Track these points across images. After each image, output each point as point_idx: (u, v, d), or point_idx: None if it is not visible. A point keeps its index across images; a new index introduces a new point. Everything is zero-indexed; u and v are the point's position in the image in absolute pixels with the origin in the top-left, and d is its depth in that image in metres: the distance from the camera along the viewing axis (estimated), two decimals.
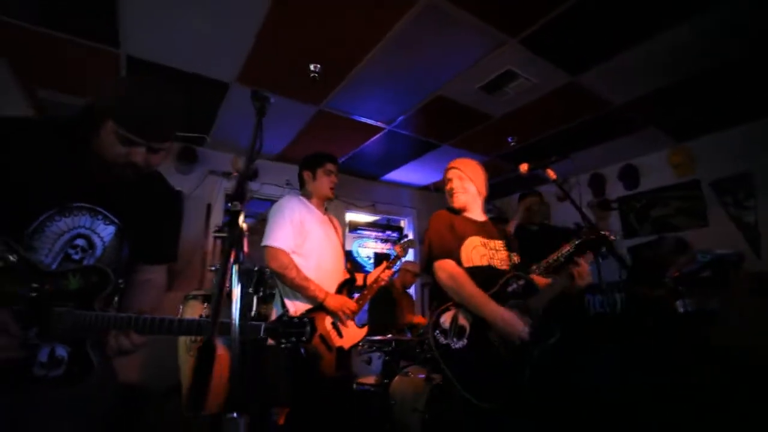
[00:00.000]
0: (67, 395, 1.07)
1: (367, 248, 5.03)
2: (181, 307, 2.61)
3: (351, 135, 3.72)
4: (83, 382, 1.07)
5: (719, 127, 3.62)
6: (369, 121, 3.45)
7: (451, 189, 2.01)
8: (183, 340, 2.44)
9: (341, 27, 2.31)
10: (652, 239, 4.08)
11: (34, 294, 1.01)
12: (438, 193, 5.40)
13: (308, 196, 2.27)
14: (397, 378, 3.11)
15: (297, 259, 2.01)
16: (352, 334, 2.08)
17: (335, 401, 1.99)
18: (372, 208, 5.01)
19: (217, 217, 3.80)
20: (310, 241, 2.07)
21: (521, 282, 1.83)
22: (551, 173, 1.93)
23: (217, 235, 2.06)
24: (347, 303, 2.03)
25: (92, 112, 1.10)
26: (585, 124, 3.52)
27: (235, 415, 0.78)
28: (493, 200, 5.55)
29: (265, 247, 1.98)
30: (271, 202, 4.35)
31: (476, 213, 2.03)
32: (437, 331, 1.73)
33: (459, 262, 1.81)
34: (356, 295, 2.23)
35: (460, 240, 1.87)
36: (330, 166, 2.26)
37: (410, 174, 4.84)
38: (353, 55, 2.56)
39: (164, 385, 2.72)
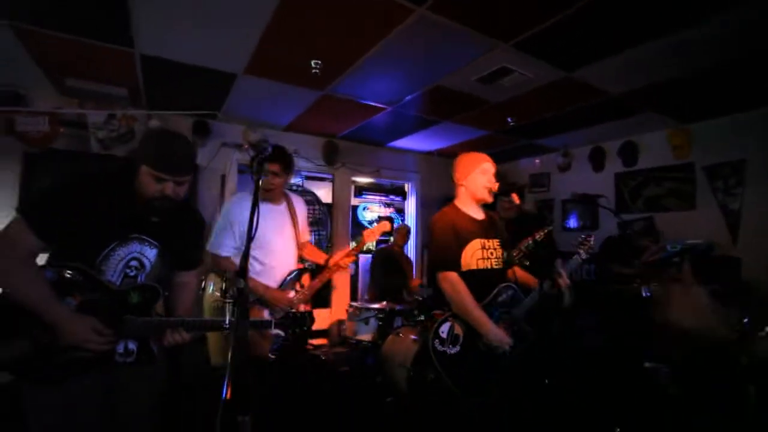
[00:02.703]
0: (139, 372, 1.54)
1: (371, 211, 5.34)
2: (203, 279, 3.04)
3: (355, 113, 3.87)
4: (149, 364, 1.53)
5: (718, 113, 3.63)
6: (372, 103, 3.58)
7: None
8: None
9: (343, 28, 2.39)
10: (637, 218, 4.28)
11: (109, 307, 1.43)
12: (440, 158, 5.56)
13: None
14: (390, 337, 3.59)
15: (253, 252, 2.15)
16: None
17: (272, 380, 2.23)
18: (377, 173, 5.24)
19: (231, 188, 4.13)
20: (261, 233, 2.08)
21: (510, 292, 2.12)
22: (516, 198, 2.14)
23: (228, 300, 2.29)
24: (282, 298, 2.21)
25: (131, 163, 1.47)
26: (583, 108, 3.58)
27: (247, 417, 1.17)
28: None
29: (209, 253, 2.18)
30: None
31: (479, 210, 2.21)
32: (436, 340, 2.03)
33: (459, 266, 2.05)
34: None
35: (462, 245, 2.07)
36: (274, 167, 2.16)
37: (415, 142, 5.00)
38: (354, 52, 2.67)
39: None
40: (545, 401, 2.68)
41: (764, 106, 3.41)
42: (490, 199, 2.14)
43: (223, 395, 1.00)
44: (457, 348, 2.01)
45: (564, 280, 2.05)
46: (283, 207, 2.38)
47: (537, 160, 5.37)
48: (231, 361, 1.12)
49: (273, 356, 2.18)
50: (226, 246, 2.19)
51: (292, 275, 2.34)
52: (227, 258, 2.20)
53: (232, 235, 2.19)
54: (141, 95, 3.31)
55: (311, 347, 4.11)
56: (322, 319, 4.71)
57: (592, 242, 2.08)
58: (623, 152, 4.46)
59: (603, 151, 4.69)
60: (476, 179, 2.13)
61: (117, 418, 1.53)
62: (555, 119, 3.90)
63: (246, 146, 4.16)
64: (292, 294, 2.30)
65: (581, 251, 2.08)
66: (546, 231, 2.43)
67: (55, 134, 3.12)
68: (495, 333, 1.95)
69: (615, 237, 4.17)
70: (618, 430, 2.58)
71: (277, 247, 2.27)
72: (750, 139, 3.53)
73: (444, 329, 2.05)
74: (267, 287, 2.20)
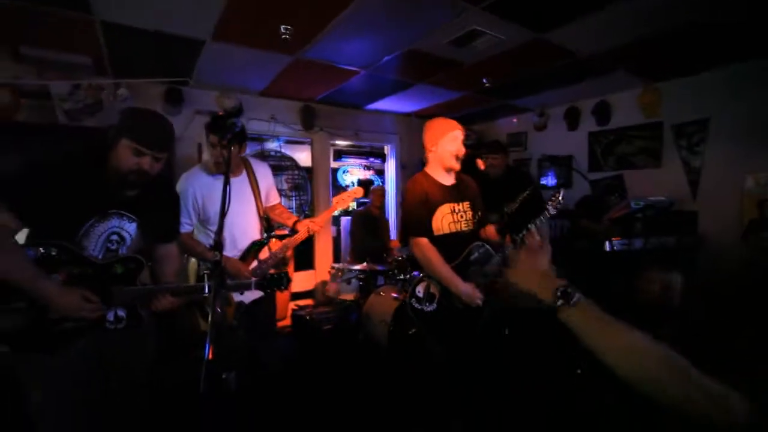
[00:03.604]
0: (129, 337, 1.66)
1: (351, 174, 5.39)
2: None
3: (331, 77, 3.81)
4: (138, 329, 1.65)
5: (686, 72, 3.70)
6: (346, 67, 3.53)
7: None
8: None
9: None
10: (607, 176, 4.44)
11: (95, 279, 1.51)
12: (418, 119, 5.55)
13: (206, 163, 2.31)
14: (371, 296, 3.78)
15: (210, 227, 2.23)
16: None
17: (231, 348, 2.18)
18: (356, 136, 5.23)
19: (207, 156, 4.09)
20: (214, 208, 2.19)
21: (481, 251, 2.22)
22: (480, 163, 2.21)
23: (206, 272, 2.26)
24: (242, 268, 2.21)
25: (104, 136, 1.50)
26: (556, 69, 3.60)
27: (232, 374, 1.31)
28: (472, 126, 5.73)
29: None
30: (258, 138, 4.60)
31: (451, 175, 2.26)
32: (413, 299, 2.18)
33: (431, 231, 2.14)
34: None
35: (432, 211, 2.15)
36: (213, 139, 2.16)
37: (392, 104, 4.96)
38: (323, 16, 2.60)
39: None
40: (509, 351, 2.92)
41: (728, 64, 3.49)
42: (457, 166, 2.19)
43: (206, 356, 1.11)
44: (434, 306, 2.15)
45: (533, 236, 2.13)
46: (241, 177, 2.32)
47: (515, 119, 5.42)
48: (210, 326, 1.23)
49: (236, 322, 2.25)
50: (181, 222, 2.15)
51: (252, 247, 2.34)
52: (185, 234, 2.21)
53: (185, 211, 2.19)
54: (106, 64, 3.19)
55: (296, 308, 4.29)
56: (307, 280, 4.88)
57: (560, 197, 2.03)
58: (597, 111, 4.53)
59: (578, 110, 4.76)
60: (444, 146, 2.18)
61: (110, 381, 1.65)
62: (530, 79, 3.92)
63: (221, 112, 4.09)
64: (254, 264, 2.31)
65: (549, 206, 2.04)
66: (525, 195, 2.49)
67: (16, 106, 3.01)
68: (464, 290, 2.06)
69: (590, 195, 4.36)
70: (579, 371, 2.86)
71: (237, 220, 2.24)
72: (715, 97, 3.64)
73: (420, 289, 2.19)
74: (227, 258, 2.17)
